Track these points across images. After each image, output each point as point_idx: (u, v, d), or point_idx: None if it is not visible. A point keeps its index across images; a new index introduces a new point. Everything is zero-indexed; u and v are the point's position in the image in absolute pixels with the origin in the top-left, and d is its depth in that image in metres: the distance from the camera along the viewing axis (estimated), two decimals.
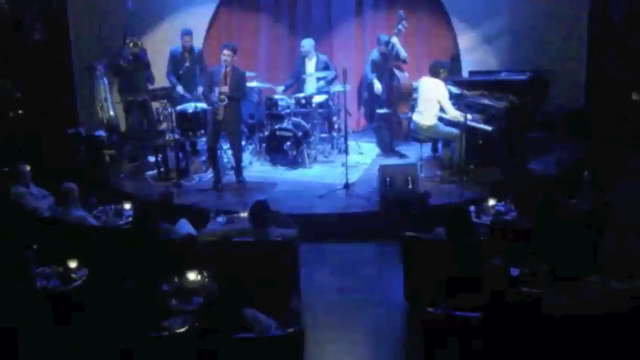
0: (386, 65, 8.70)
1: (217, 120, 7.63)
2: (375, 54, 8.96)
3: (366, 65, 9.13)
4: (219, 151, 8.02)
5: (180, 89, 8.75)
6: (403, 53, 8.65)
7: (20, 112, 8.41)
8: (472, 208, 6.14)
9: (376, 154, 9.06)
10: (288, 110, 8.69)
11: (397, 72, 8.68)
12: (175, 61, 8.84)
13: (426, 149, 8.67)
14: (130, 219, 6.08)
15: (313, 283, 5.99)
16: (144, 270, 4.86)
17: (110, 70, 8.87)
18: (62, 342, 3.95)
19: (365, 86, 9.64)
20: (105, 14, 9.39)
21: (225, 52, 7.53)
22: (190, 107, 8.47)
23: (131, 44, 8.45)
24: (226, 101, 7.52)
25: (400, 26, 8.48)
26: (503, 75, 8.97)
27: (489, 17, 9.39)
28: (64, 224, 5.74)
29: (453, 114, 7.86)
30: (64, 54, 9.21)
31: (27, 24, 8.59)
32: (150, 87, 8.91)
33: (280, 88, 9.18)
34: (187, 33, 8.81)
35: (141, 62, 8.63)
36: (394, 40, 8.50)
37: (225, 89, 7.49)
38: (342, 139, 8.67)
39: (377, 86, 8.81)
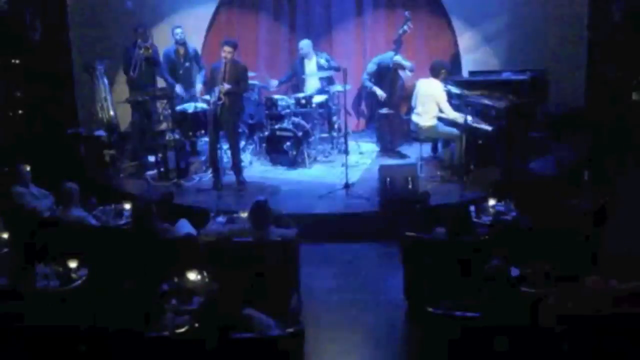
0: (388, 71, 8.74)
1: (216, 118, 7.62)
2: (371, 67, 8.97)
3: (363, 75, 9.14)
4: (219, 151, 8.02)
5: (178, 88, 8.75)
6: (409, 65, 8.75)
7: (20, 112, 8.41)
8: (472, 208, 6.14)
9: (376, 154, 9.07)
10: (288, 110, 8.70)
11: (401, 72, 8.71)
12: (171, 62, 8.85)
13: (426, 149, 8.67)
14: (130, 219, 6.08)
15: (313, 283, 5.99)
16: (144, 270, 4.86)
17: (122, 70, 8.92)
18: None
19: (364, 94, 9.75)
20: (105, 14, 9.39)
21: (226, 48, 7.54)
22: (190, 107, 8.47)
23: (142, 50, 8.48)
24: (223, 100, 7.51)
25: (405, 27, 8.53)
26: (503, 75, 8.97)
27: (489, 17, 9.39)
28: (64, 224, 5.74)
29: (451, 114, 7.87)
30: (64, 54, 9.21)
31: (27, 24, 8.59)
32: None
33: (274, 82, 9.18)
34: (176, 27, 8.84)
35: (153, 64, 8.67)
36: (397, 58, 8.64)
37: (226, 86, 7.48)
38: (342, 139, 8.67)
39: (380, 93, 8.81)
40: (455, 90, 8.14)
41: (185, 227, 5.70)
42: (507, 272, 4.63)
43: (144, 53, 8.52)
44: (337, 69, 8.98)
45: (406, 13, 8.59)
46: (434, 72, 8.02)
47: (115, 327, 3.89)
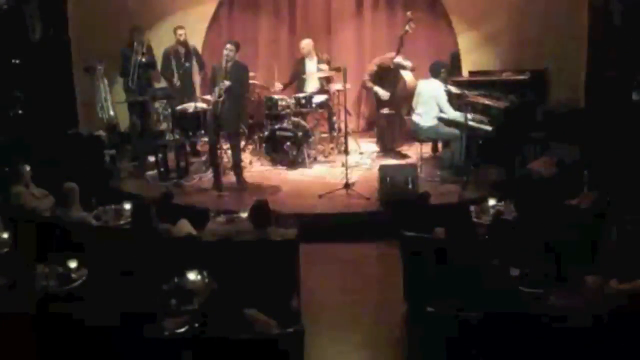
0: (389, 72, 8.75)
1: (217, 116, 7.62)
2: (372, 69, 8.99)
3: (364, 77, 9.13)
4: (219, 151, 8.02)
5: (175, 80, 8.75)
6: (410, 65, 8.77)
7: (20, 112, 8.40)
8: (472, 208, 6.14)
9: (376, 154, 9.07)
10: (288, 110, 8.70)
11: (403, 73, 8.71)
12: (171, 61, 8.86)
13: (426, 149, 8.68)
14: (130, 219, 6.07)
15: (313, 283, 5.99)
16: (144, 270, 4.86)
17: (119, 73, 8.93)
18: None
19: (365, 94, 9.83)
20: (105, 13, 9.39)
21: (228, 46, 7.54)
22: (190, 107, 8.48)
23: (139, 56, 8.50)
24: (224, 96, 7.50)
25: (407, 27, 8.53)
26: (503, 75, 8.98)
27: (489, 17, 9.39)
28: (64, 224, 5.74)
29: (452, 114, 7.89)
30: (64, 54, 9.21)
31: (27, 24, 8.59)
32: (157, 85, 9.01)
33: (279, 86, 9.19)
34: (179, 27, 8.86)
35: (149, 67, 8.69)
36: (398, 58, 8.67)
37: (226, 82, 7.48)
38: (342, 139, 8.67)
39: (382, 93, 8.81)
40: (455, 90, 8.15)
41: (185, 227, 5.70)
42: (507, 272, 4.65)
43: (141, 59, 8.55)
44: (337, 70, 8.99)
45: (408, 13, 8.61)
46: (434, 73, 8.04)
47: (115, 327, 3.89)
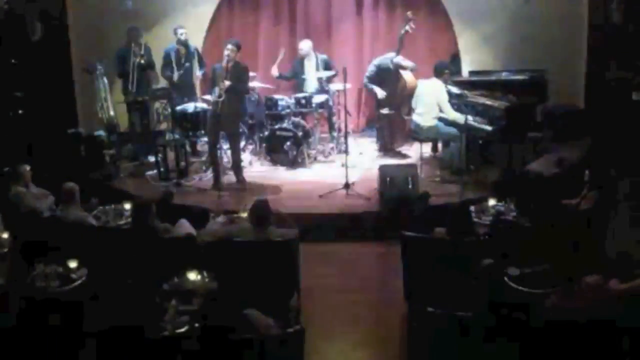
0: (388, 72, 8.75)
1: (217, 116, 7.62)
2: (371, 69, 8.98)
3: (364, 78, 9.14)
4: (219, 151, 8.02)
5: (176, 76, 8.77)
6: (410, 65, 8.76)
7: (20, 112, 8.40)
8: (472, 208, 6.14)
9: (376, 154, 9.07)
10: (288, 110, 8.70)
11: (403, 73, 8.71)
12: (171, 61, 8.85)
13: (426, 149, 8.68)
14: (130, 219, 6.07)
15: (313, 283, 5.99)
16: (144, 270, 4.86)
17: (116, 74, 8.93)
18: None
19: (365, 94, 9.90)
20: (105, 14, 9.40)
21: (229, 46, 7.55)
22: (190, 107, 8.48)
23: (137, 58, 8.50)
24: (224, 96, 7.51)
25: (407, 27, 8.53)
26: (503, 75, 8.99)
27: (489, 17, 9.39)
28: (64, 224, 5.74)
29: (452, 115, 7.88)
30: (64, 54, 9.21)
31: (27, 24, 8.59)
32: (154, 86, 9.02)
33: (275, 71, 9.11)
34: (180, 27, 8.86)
35: (148, 68, 8.70)
36: (397, 58, 8.67)
37: (226, 82, 7.48)
38: (342, 139, 8.67)
39: (380, 93, 8.81)
40: (455, 90, 8.15)
41: (185, 227, 5.70)
42: (507, 272, 4.65)
43: (139, 60, 8.55)
44: (335, 74, 8.99)
45: (408, 13, 8.61)
46: (437, 73, 8.03)
47: (115, 328, 3.89)
